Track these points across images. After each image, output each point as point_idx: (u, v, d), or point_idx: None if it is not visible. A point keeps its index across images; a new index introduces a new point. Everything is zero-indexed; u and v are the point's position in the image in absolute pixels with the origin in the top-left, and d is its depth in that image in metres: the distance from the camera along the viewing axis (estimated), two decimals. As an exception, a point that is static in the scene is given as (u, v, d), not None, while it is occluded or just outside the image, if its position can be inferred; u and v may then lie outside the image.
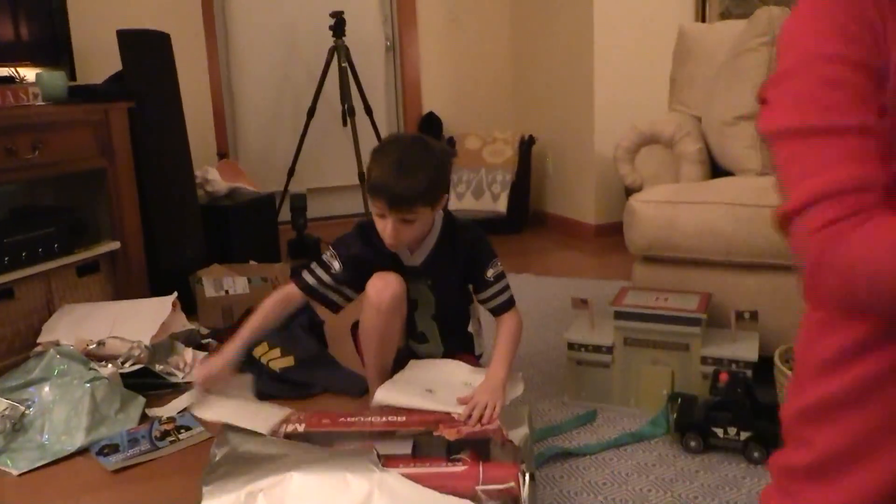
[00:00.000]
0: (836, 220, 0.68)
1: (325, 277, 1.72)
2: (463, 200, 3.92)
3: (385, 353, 1.77)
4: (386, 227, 1.59)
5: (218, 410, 1.69)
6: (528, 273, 3.16)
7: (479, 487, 1.34)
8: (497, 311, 1.73)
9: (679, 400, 1.67)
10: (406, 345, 1.82)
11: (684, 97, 2.54)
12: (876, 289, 0.65)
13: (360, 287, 1.73)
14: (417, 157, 1.57)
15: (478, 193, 3.90)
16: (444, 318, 1.80)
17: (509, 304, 1.73)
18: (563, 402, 1.89)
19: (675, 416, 1.64)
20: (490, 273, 1.70)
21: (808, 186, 0.70)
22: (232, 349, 1.70)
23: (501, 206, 3.84)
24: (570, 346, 1.86)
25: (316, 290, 1.73)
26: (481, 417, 1.50)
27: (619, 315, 1.79)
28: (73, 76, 2.67)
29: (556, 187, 4.02)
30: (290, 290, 1.75)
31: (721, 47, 2.39)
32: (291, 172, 3.80)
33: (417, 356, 1.80)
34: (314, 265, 1.74)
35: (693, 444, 1.61)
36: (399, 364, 1.78)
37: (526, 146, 3.93)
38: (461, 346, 1.81)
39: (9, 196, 2.31)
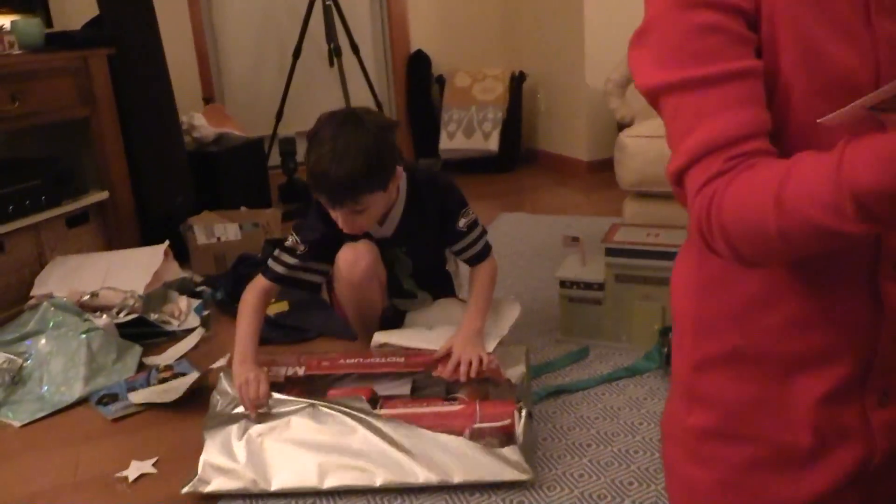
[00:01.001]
0: (716, 176, 0.64)
1: (293, 261, 1.63)
2: (454, 140, 3.88)
3: (367, 316, 1.76)
4: (338, 220, 1.50)
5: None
6: (521, 211, 3.15)
7: (476, 425, 1.36)
8: (472, 262, 1.68)
9: (670, 334, 1.68)
10: (391, 304, 1.81)
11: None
12: (751, 245, 0.63)
13: (331, 261, 1.67)
14: (351, 140, 1.41)
15: (469, 132, 3.85)
16: (425, 274, 1.79)
17: (484, 254, 1.68)
18: (556, 339, 1.91)
19: (666, 350, 1.66)
20: (462, 223, 1.64)
21: (690, 143, 0.66)
22: (249, 363, 1.51)
23: (493, 144, 3.80)
24: (562, 283, 1.86)
25: (286, 277, 1.64)
26: (469, 371, 1.49)
27: (609, 252, 1.79)
28: (49, 23, 2.60)
29: (548, 124, 3.97)
30: (265, 284, 1.64)
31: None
32: (279, 116, 3.74)
33: (404, 312, 1.80)
34: (278, 253, 1.64)
35: (684, 377, 1.63)
36: (385, 322, 1.77)
37: (517, 82, 3.87)
38: (442, 290, 1.81)
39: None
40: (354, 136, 1.42)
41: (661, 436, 0.86)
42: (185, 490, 1.37)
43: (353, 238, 1.64)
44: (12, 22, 2.28)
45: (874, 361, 0.70)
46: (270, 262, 1.65)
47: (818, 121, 0.55)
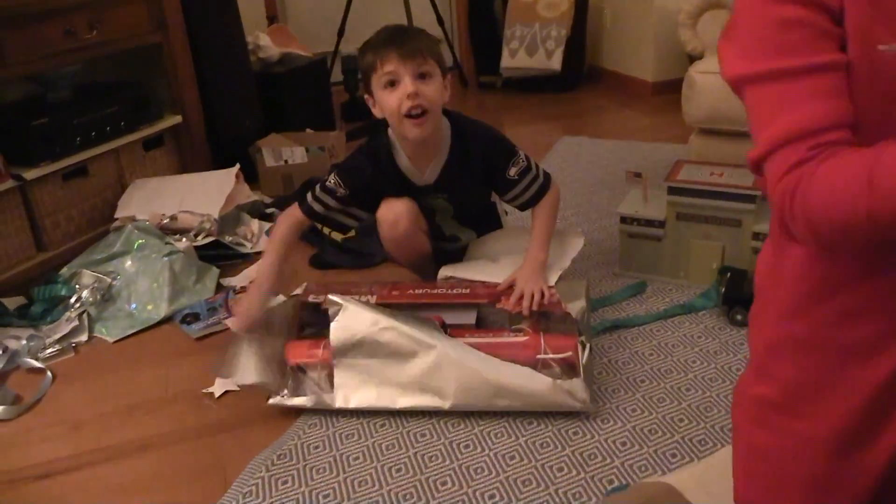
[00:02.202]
0: (799, 164, 0.67)
1: (332, 203, 1.65)
2: (516, 57, 3.82)
3: (417, 262, 1.81)
4: (403, 88, 1.47)
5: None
6: (582, 135, 3.14)
7: (541, 356, 1.44)
8: (528, 206, 1.67)
9: (728, 274, 1.71)
10: (435, 248, 1.82)
11: (754, -51, 2.38)
12: (835, 229, 0.66)
13: (371, 208, 1.69)
14: (410, 26, 1.59)
15: (531, 50, 3.79)
16: (467, 214, 1.79)
17: (541, 193, 1.65)
18: (613, 273, 1.96)
19: (723, 289, 1.69)
20: (513, 171, 1.61)
21: (773, 131, 0.69)
22: (260, 289, 1.58)
23: (556, 63, 3.74)
24: (623, 219, 1.89)
25: (324, 216, 1.68)
26: (531, 305, 1.53)
27: (672, 190, 1.80)
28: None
29: (614, 42, 3.87)
30: (299, 216, 1.67)
31: None
32: (341, 32, 3.75)
33: (448, 253, 1.84)
34: (319, 191, 1.65)
35: (739, 317, 1.67)
36: (446, 257, 1.81)
37: (582, -2, 3.76)
38: (487, 225, 1.84)
39: (70, 76, 2.36)
40: (413, 27, 1.57)
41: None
42: (271, 401, 1.49)
43: (394, 192, 1.65)
44: (86, -52, 2.32)
45: None
46: (309, 198, 1.66)
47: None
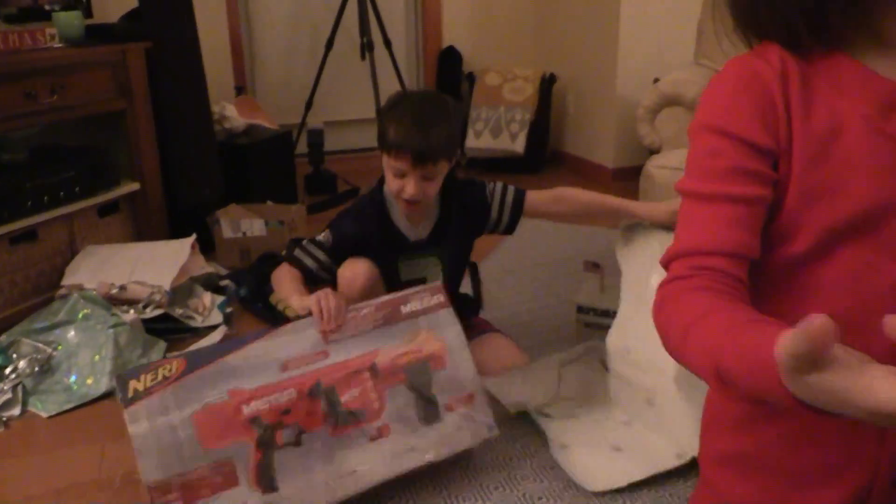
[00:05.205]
0: (673, 280, 0.72)
1: (321, 256, 1.66)
2: (480, 139, 3.89)
3: None
4: (407, 186, 1.56)
5: None
6: (542, 219, 3.16)
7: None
8: (514, 211, 1.78)
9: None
10: None
11: (710, 50, 2.48)
12: (667, 350, 0.70)
13: None
14: (434, 110, 1.57)
15: (496, 132, 3.86)
16: (455, 275, 1.80)
17: (519, 195, 1.79)
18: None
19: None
20: (489, 187, 1.74)
21: (674, 244, 0.75)
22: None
23: (519, 146, 3.81)
24: (580, 309, 1.89)
25: (313, 272, 1.67)
26: None
27: (628, 283, 1.80)
28: (89, 12, 2.64)
29: (576, 127, 3.97)
30: (290, 269, 1.68)
31: (751, 0, 2.31)
32: (309, 105, 3.77)
33: None
34: (309, 245, 1.68)
35: (693, 413, 1.66)
36: None
37: (547, 84, 3.87)
38: (466, 310, 1.82)
39: (27, 138, 2.33)
40: (436, 107, 1.58)
41: None
42: None
43: (383, 249, 1.69)
44: (54, 15, 2.32)
45: (874, 486, 0.73)
46: (298, 253, 1.67)
47: None
